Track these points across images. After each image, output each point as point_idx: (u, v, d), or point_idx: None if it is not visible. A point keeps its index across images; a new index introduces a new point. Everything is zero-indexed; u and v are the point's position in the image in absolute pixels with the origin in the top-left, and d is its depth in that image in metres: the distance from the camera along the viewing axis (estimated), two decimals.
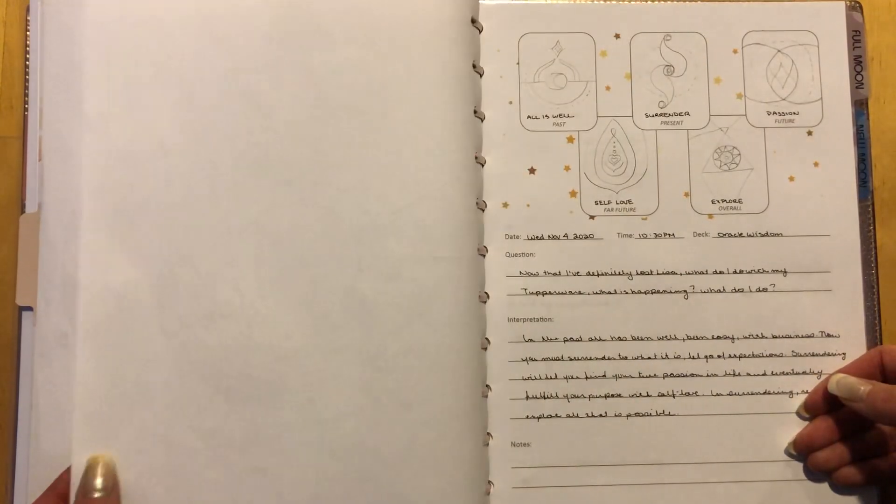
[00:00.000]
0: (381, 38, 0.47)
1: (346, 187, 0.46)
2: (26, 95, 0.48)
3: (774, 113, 0.49)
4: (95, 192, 0.45)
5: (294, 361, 0.45)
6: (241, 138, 0.46)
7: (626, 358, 0.47)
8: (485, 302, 0.47)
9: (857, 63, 0.49)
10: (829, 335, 0.48)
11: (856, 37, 0.49)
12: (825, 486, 0.47)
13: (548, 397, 0.47)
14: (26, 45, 0.49)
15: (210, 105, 0.46)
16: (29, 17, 0.48)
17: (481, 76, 0.49)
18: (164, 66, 0.46)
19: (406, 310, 0.45)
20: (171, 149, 0.46)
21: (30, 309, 0.47)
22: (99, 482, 0.43)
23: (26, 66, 0.48)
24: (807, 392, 0.47)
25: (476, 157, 0.47)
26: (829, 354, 0.47)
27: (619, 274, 0.48)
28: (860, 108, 0.49)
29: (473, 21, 0.48)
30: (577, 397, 0.47)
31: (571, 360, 0.47)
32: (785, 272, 0.48)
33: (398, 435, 0.44)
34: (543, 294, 0.47)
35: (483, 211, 0.48)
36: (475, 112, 0.48)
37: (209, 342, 0.45)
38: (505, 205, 0.48)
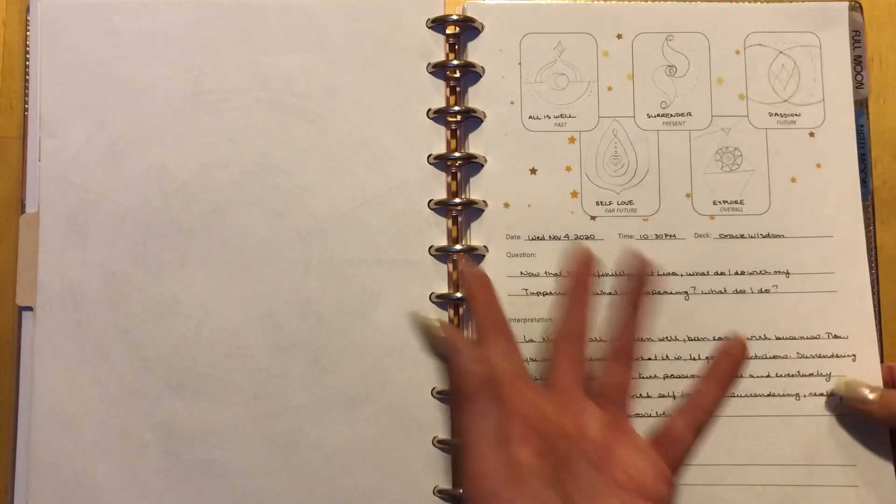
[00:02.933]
0: (331, 43, 0.48)
1: (294, 190, 0.48)
2: (26, 95, 0.48)
3: (776, 114, 0.49)
4: (53, 192, 0.47)
5: (241, 359, 0.47)
6: (190, 140, 0.48)
7: None
8: (444, 302, 0.47)
9: (858, 63, 0.49)
10: (836, 336, 0.47)
11: (856, 37, 0.49)
12: (832, 491, 0.46)
13: None
14: (26, 45, 0.49)
15: (160, 107, 0.48)
16: (29, 17, 0.48)
17: (481, 76, 0.48)
18: (114, 69, 0.48)
19: (350, 311, 0.47)
20: (122, 150, 0.47)
21: (30, 309, 0.47)
22: None
23: (26, 66, 0.48)
24: (814, 394, 0.47)
25: (430, 158, 0.48)
26: (837, 356, 0.47)
27: (620, 275, 0.47)
28: (860, 107, 0.49)
29: (443, 21, 0.48)
30: None
31: None
32: (787, 273, 0.48)
33: (340, 432, 0.46)
34: (544, 295, 0.47)
35: (438, 211, 0.48)
36: (430, 113, 0.48)
37: (160, 339, 0.47)
38: (506, 205, 0.48)
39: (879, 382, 0.47)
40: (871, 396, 0.44)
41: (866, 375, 0.47)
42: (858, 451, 0.46)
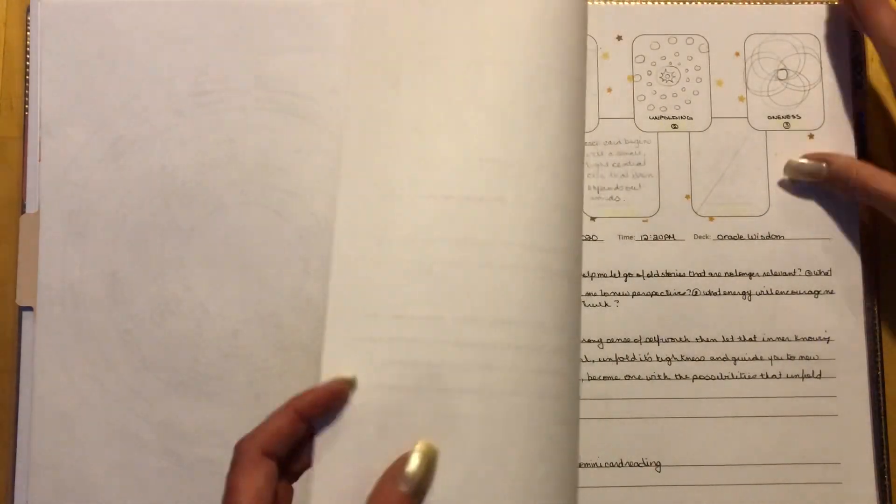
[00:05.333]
0: (331, 43, 0.48)
1: (293, 190, 0.48)
2: (26, 95, 0.48)
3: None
4: (53, 192, 0.47)
5: (241, 358, 0.47)
6: (190, 140, 0.48)
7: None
8: None
9: (857, 63, 0.49)
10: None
11: (855, 37, 0.49)
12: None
13: None
14: (26, 45, 0.49)
15: (160, 107, 0.48)
16: (29, 17, 0.48)
17: None
18: (115, 69, 0.48)
19: None
20: (122, 150, 0.47)
21: (30, 309, 0.47)
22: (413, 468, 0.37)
23: (26, 66, 0.48)
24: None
25: None
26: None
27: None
28: (859, 108, 0.49)
29: None
30: None
31: None
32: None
33: None
34: None
35: None
36: None
37: (160, 338, 0.47)
38: None
39: (865, 379, 0.47)
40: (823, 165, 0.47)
41: (859, 376, 0.47)
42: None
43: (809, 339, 0.48)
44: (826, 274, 0.48)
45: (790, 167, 0.48)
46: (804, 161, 0.48)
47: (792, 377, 0.47)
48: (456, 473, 0.39)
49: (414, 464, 0.36)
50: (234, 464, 0.36)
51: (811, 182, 0.48)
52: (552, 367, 0.41)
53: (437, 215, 0.42)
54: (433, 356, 0.40)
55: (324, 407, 0.39)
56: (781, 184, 0.48)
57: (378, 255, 0.42)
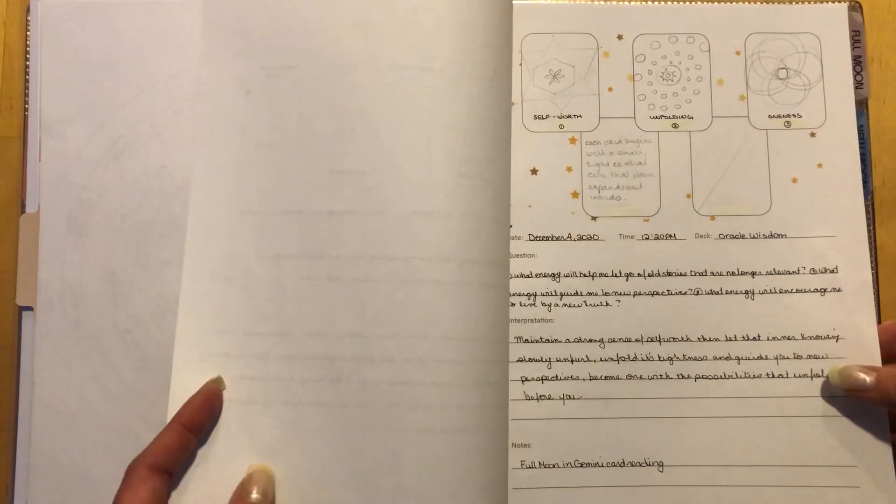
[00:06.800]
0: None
1: None
2: (26, 95, 0.48)
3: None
4: (53, 192, 0.47)
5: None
6: (190, 140, 0.47)
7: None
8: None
9: (857, 63, 0.49)
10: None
11: (855, 37, 0.49)
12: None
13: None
14: (26, 45, 0.49)
15: (160, 107, 0.48)
16: (29, 17, 0.48)
17: None
18: (115, 69, 0.48)
19: None
20: (122, 150, 0.47)
21: (30, 309, 0.47)
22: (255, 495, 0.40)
23: (26, 66, 0.48)
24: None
25: None
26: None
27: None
28: (860, 108, 0.49)
29: None
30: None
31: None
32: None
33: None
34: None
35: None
36: None
37: (160, 338, 0.46)
38: None
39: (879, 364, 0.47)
40: (868, 381, 0.44)
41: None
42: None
43: (817, 337, 0.47)
44: (832, 272, 0.48)
45: (836, 372, 0.46)
46: (850, 367, 0.45)
47: (800, 376, 0.47)
48: (305, 485, 0.40)
49: (255, 493, 0.39)
50: (122, 483, 0.38)
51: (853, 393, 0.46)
52: (423, 378, 0.41)
53: (289, 231, 0.42)
54: (283, 371, 0.41)
55: (206, 411, 0.41)
56: (783, 183, 0.48)
57: (228, 272, 0.42)
